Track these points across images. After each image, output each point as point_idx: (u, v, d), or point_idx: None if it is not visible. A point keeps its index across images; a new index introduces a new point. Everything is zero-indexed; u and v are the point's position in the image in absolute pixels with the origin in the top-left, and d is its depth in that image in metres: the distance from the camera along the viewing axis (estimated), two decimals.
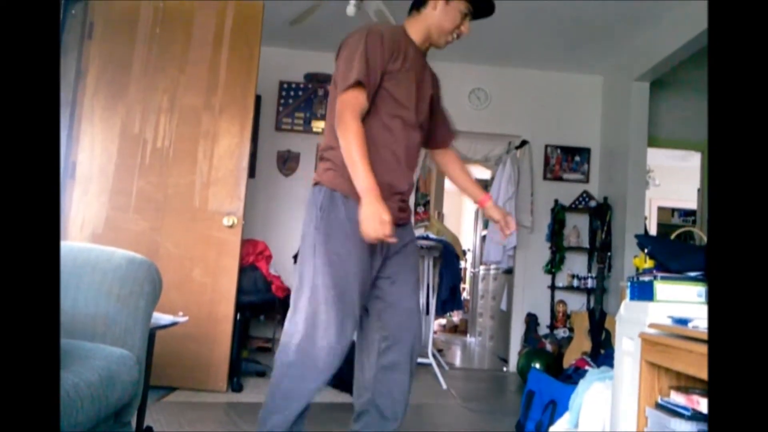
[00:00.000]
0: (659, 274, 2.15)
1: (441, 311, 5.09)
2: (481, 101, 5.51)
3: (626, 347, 2.23)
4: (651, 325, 1.95)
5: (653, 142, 5.15)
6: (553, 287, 5.36)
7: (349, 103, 1.80)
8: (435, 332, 6.93)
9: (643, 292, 2.20)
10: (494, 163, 5.82)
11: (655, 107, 5.09)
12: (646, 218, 5.33)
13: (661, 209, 8.21)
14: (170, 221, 3.38)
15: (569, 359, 4.16)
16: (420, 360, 4.43)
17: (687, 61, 4.39)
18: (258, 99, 4.06)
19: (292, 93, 5.40)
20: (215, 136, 3.45)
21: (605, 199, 5.24)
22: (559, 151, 5.51)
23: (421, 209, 5.92)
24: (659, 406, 1.84)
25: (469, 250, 8.66)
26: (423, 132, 2.05)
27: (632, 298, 2.28)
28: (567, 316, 5.15)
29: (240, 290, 3.44)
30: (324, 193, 1.88)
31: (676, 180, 7.66)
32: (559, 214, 5.38)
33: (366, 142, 1.77)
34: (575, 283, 5.33)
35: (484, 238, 6.61)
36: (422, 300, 4.46)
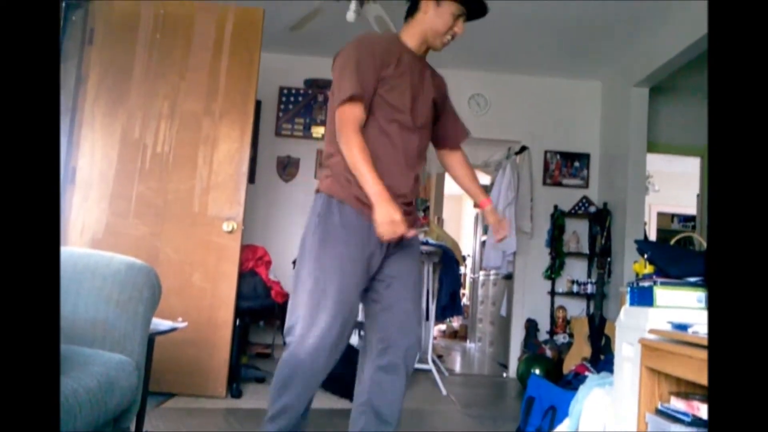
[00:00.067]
0: (659, 280, 2.15)
1: (441, 317, 5.08)
2: (481, 107, 5.52)
3: (626, 353, 2.23)
4: (651, 331, 1.95)
5: (652, 147, 5.16)
6: (552, 293, 5.35)
7: (347, 119, 1.87)
8: (435, 338, 6.92)
9: (643, 297, 2.20)
10: (494, 168, 5.83)
11: (654, 113, 5.09)
12: (645, 224, 5.33)
13: (660, 215, 8.21)
14: (170, 226, 3.38)
15: (569, 365, 4.15)
16: (420, 366, 4.45)
17: (686, 67, 4.40)
18: (258, 104, 4.07)
19: (292, 99, 5.41)
20: (215, 142, 3.45)
21: (605, 204, 5.24)
22: (558, 156, 5.51)
23: (420, 214, 5.93)
24: (659, 412, 1.84)
25: (468, 255, 8.66)
26: (426, 134, 2.08)
27: (632, 303, 2.28)
28: (567, 322, 5.15)
29: (239, 296, 3.43)
30: (322, 200, 1.96)
31: (675, 185, 7.67)
32: (558, 219, 5.38)
33: (370, 159, 1.85)
34: (575, 288, 5.32)
35: (483, 243, 6.61)
36: (422, 305, 4.45)
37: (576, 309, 5.30)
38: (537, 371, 4.16)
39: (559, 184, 5.49)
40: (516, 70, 5.48)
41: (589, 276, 5.37)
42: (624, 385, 2.21)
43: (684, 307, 2.08)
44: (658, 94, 5.07)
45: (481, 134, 5.41)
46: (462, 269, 7.47)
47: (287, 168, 5.37)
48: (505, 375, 5.36)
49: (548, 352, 4.75)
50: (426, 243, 4.59)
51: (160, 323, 2.29)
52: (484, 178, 7.35)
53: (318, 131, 5.36)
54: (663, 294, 2.11)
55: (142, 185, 3.40)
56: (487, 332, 7.03)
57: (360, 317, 2.14)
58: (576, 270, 5.41)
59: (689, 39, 3.97)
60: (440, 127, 2.19)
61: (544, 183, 5.48)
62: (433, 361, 4.66)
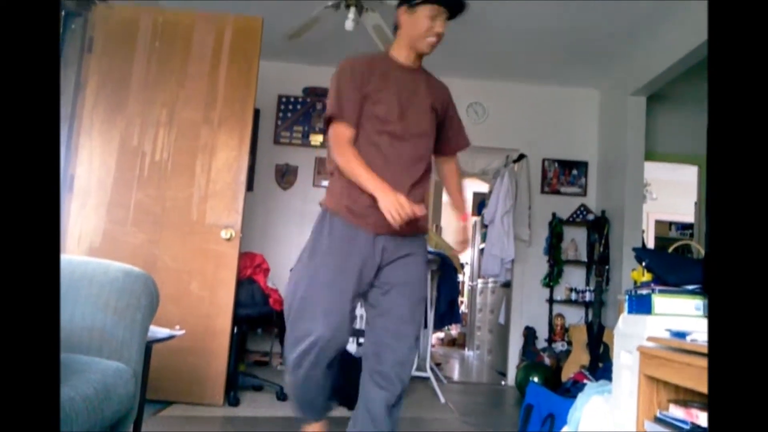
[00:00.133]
0: (657, 288, 2.15)
1: (439, 325, 5.07)
2: (479, 115, 5.53)
3: (624, 361, 2.23)
4: (649, 339, 1.95)
5: (650, 155, 5.18)
6: (551, 300, 5.35)
7: (334, 135, 2.05)
8: (433, 346, 6.91)
9: (641, 305, 2.20)
10: (492, 176, 5.84)
11: (651, 121, 5.11)
12: (643, 231, 5.34)
13: (658, 222, 8.22)
14: (168, 234, 3.38)
15: (567, 373, 4.15)
16: (418, 374, 4.44)
17: (683, 76, 4.42)
18: (257, 113, 4.07)
19: (290, 107, 5.42)
20: (213, 150, 3.45)
21: (603, 212, 5.25)
22: (556, 164, 5.53)
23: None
24: (658, 420, 1.84)
25: (467, 263, 8.66)
26: (422, 141, 2.12)
27: (630, 311, 2.28)
28: (565, 330, 5.14)
29: (237, 303, 3.43)
30: (320, 214, 2.13)
31: (673, 193, 7.68)
32: (556, 227, 5.38)
33: (364, 163, 1.98)
34: (573, 296, 5.32)
35: (482, 251, 6.60)
36: (423, 313, 4.44)
37: (574, 317, 5.29)
38: (535, 379, 4.15)
39: (557, 192, 5.50)
40: (514, 79, 5.50)
41: (587, 284, 5.37)
42: (622, 392, 2.20)
43: (682, 314, 2.08)
44: (656, 102, 5.10)
45: (480, 142, 5.40)
46: (460, 277, 7.47)
47: (285, 176, 5.38)
48: (503, 383, 5.34)
49: (547, 360, 4.74)
50: None
51: (157, 331, 2.28)
52: (482, 186, 7.36)
53: (316, 139, 5.37)
54: (661, 302, 2.11)
55: (141, 193, 3.40)
56: (485, 340, 7.02)
57: (360, 325, 2.20)
58: (574, 278, 5.41)
59: (686, 48, 3.99)
60: (440, 133, 2.24)
61: (542, 191, 5.49)
62: (432, 369, 4.65)
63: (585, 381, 3.08)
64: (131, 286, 1.88)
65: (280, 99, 5.41)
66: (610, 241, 5.08)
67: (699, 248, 2.81)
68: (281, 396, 3.69)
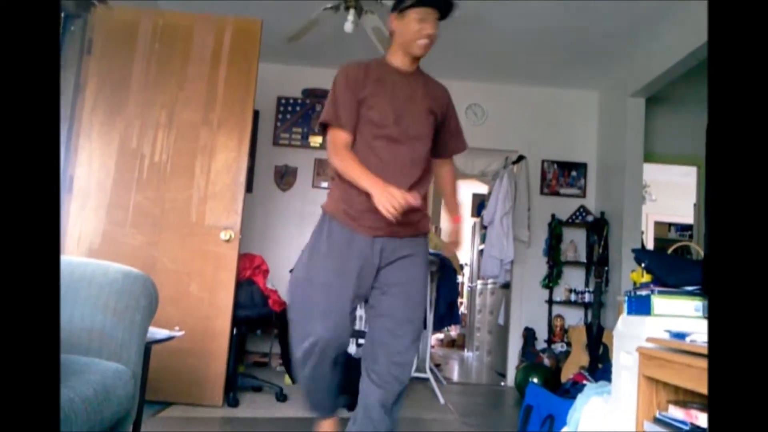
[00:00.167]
0: (656, 289, 2.16)
1: (438, 326, 5.07)
2: (478, 117, 5.54)
3: (624, 361, 2.23)
4: (649, 340, 1.95)
5: (649, 157, 5.18)
6: (550, 301, 5.35)
7: (331, 140, 2.11)
8: (432, 347, 6.91)
9: (641, 306, 2.20)
10: (491, 178, 5.84)
11: (651, 123, 5.12)
12: (642, 233, 5.34)
13: (657, 224, 8.22)
14: (167, 236, 3.38)
15: (567, 374, 4.15)
16: (417, 374, 4.44)
17: (682, 77, 4.42)
18: (256, 114, 4.08)
19: (289, 108, 5.43)
20: (213, 151, 3.45)
21: (602, 213, 5.26)
22: (555, 166, 5.53)
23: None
24: (658, 421, 1.84)
25: (466, 264, 8.66)
26: (420, 144, 2.15)
27: (630, 312, 2.28)
28: (564, 331, 5.14)
29: (237, 304, 3.43)
30: (320, 218, 2.18)
31: (672, 195, 7.68)
32: (556, 228, 5.38)
33: (359, 163, 2.03)
34: (573, 297, 5.32)
35: (481, 252, 6.60)
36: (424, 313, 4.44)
37: (574, 318, 5.29)
38: (535, 380, 4.15)
39: (557, 194, 5.51)
40: (513, 80, 5.50)
41: (586, 285, 5.37)
42: (622, 393, 2.21)
43: (682, 315, 2.08)
44: (655, 104, 5.10)
45: (479, 144, 5.42)
46: (460, 278, 7.47)
47: (285, 177, 5.38)
48: (503, 384, 5.34)
49: (546, 361, 4.74)
50: None
51: (156, 332, 2.28)
52: (482, 188, 7.37)
53: (315, 141, 5.37)
54: (660, 303, 2.12)
55: (140, 194, 3.39)
56: (484, 341, 7.01)
57: (360, 326, 2.22)
58: (574, 279, 5.41)
59: (685, 50, 4.00)
60: (438, 136, 2.26)
61: (542, 192, 5.50)
62: (431, 370, 4.65)
63: (584, 382, 3.08)
64: (130, 288, 1.88)
65: (279, 101, 5.41)
66: (610, 243, 5.08)
67: (698, 249, 2.81)
68: (280, 397, 3.69)
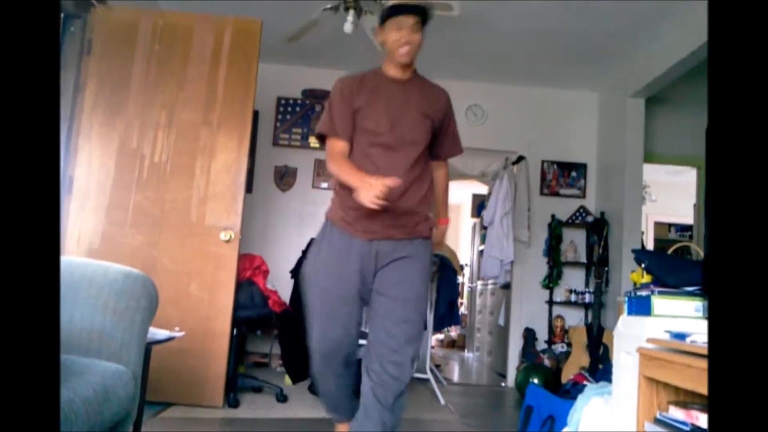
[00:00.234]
0: (657, 289, 2.16)
1: (439, 326, 5.07)
2: (478, 117, 5.53)
3: (624, 362, 2.23)
4: (649, 340, 1.95)
5: (649, 157, 5.18)
6: (550, 302, 5.35)
7: (328, 149, 2.23)
8: (433, 347, 6.90)
9: (641, 307, 2.20)
10: (491, 178, 5.84)
11: (650, 123, 5.12)
12: (643, 233, 5.34)
13: (657, 224, 8.22)
14: (167, 236, 3.37)
15: (567, 374, 4.15)
16: (418, 375, 4.44)
17: (682, 78, 4.42)
18: (256, 114, 4.08)
19: (289, 109, 5.43)
20: (213, 152, 3.45)
21: (602, 214, 5.26)
22: (555, 166, 5.53)
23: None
24: (658, 421, 1.84)
25: (466, 264, 8.66)
26: (414, 148, 2.19)
27: (630, 313, 2.28)
28: (565, 331, 5.14)
29: (237, 305, 3.42)
30: (323, 223, 2.28)
31: (672, 195, 7.69)
32: (556, 229, 5.38)
33: (350, 164, 2.13)
34: (573, 297, 5.32)
35: (481, 252, 6.60)
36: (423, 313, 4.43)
37: (574, 318, 5.29)
38: (535, 380, 4.15)
39: (557, 194, 5.50)
40: (513, 81, 5.50)
41: (586, 285, 5.37)
42: (622, 394, 2.20)
43: (682, 316, 2.08)
44: (655, 104, 5.10)
45: (479, 144, 5.43)
46: (460, 279, 7.47)
47: (284, 177, 5.38)
48: (503, 384, 5.34)
49: (546, 362, 4.74)
50: None
51: (157, 332, 2.28)
52: (482, 188, 7.37)
53: (315, 141, 5.37)
54: (661, 303, 2.12)
55: (140, 195, 3.39)
56: (485, 342, 7.01)
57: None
58: (574, 279, 5.41)
59: (685, 50, 4.00)
60: (435, 138, 2.31)
61: (542, 193, 5.49)
62: (431, 371, 4.65)
63: (585, 382, 3.08)
64: (130, 288, 1.88)
65: (279, 101, 5.41)
66: (610, 243, 5.08)
67: (698, 250, 2.81)
68: (281, 397, 3.69)
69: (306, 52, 4.96)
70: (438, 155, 2.38)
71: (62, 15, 3.37)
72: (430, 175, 2.29)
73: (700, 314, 2.08)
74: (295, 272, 4.36)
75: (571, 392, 2.96)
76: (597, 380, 3.08)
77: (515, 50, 4.85)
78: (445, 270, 4.77)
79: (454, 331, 8.74)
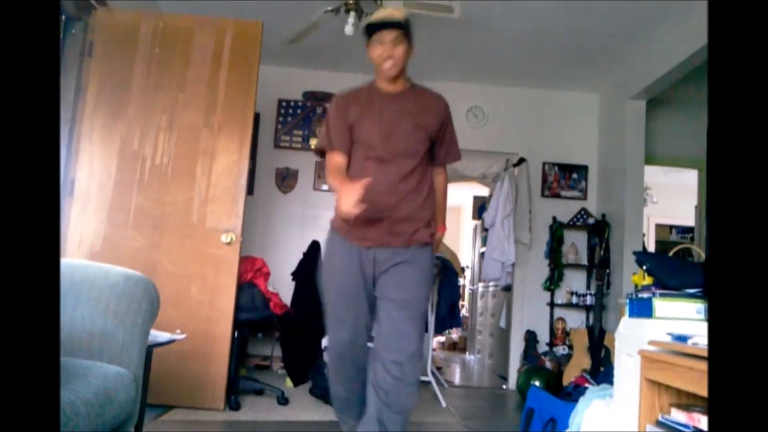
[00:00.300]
0: (658, 291, 2.15)
1: (440, 329, 5.07)
2: (479, 119, 5.53)
3: (626, 364, 2.23)
4: (650, 342, 1.95)
5: (650, 159, 5.17)
6: (552, 304, 5.34)
7: (327, 164, 2.32)
8: (434, 350, 6.90)
9: (642, 309, 2.20)
10: (492, 180, 5.84)
11: (651, 125, 5.11)
12: (644, 235, 5.33)
13: (659, 226, 8.21)
14: (168, 238, 3.37)
15: (569, 377, 4.14)
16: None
17: (682, 80, 4.42)
18: (257, 117, 4.08)
19: (290, 111, 5.43)
20: (214, 154, 3.45)
21: (603, 216, 5.25)
22: (556, 168, 5.53)
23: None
24: (660, 424, 1.83)
25: (467, 267, 8.65)
26: (407, 160, 2.23)
27: (631, 315, 2.28)
28: (566, 334, 5.13)
29: (238, 307, 3.42)
30: (328, 231, 2.35)
31: (673, 197, 7.68)
32: (557, 231, 5.38)
33: (344, 177, 2.20)
34: (574, 300, 5.31)
35: (482, 255, 6.60)
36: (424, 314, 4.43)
37: (575, 320, 5.29)
38: (537, 383, 4.14)
39: (558, 196, 5.50)
40: (514, 83, 5.50)
41: (588, 287, 5.36)
42: (624, 396, 2.20)
43: (683, 318, 2.08)
44: (656, 106, 5.10)
45: (479, 146, 5.43)
46: (461, 281, 7.46)
47: (286, 180, 5.38)
48: (504, 387, 5.33)
49: (548, 364, 4.73)
50: None
51: (158, 335, 2.28)
52: (483, 190, 7.37)
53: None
54: (662, 305, 2.11)
55: (141, 197, 3.39)
56: (486, 344, 7.00)
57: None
58: (575, 281, 5.40)
59: (685, 52, 4.00)
60: (433, 145, 2.34)
61: (543, 195, 5.49)
62: (433, 373, 4.64)
63: (586, 385, 3.07)
64: (131, 290, 1.88)
65: (280, 103, 5.41)
66: (611, 245, 5.08)
67: (699, 252, 2.80)
68: (282, 400, 3.68)
69: (307, 54, 4.96)
70: (436, 161, 2.40)
71: (63, 17, 3.37)
72: (430, 182, 2.32)
73: (702, 316, 2.07)
74: (297, 274, 4.36)
75: (572, 395, 2.95)
76: (598, 382, 3.08)
77: (516, 52, 4.85)
78: (447, 272, 4.77)
79: (455, 334, 8.73)
